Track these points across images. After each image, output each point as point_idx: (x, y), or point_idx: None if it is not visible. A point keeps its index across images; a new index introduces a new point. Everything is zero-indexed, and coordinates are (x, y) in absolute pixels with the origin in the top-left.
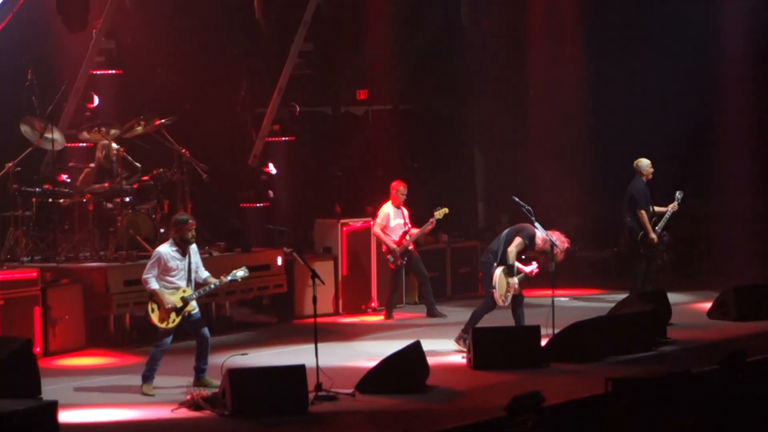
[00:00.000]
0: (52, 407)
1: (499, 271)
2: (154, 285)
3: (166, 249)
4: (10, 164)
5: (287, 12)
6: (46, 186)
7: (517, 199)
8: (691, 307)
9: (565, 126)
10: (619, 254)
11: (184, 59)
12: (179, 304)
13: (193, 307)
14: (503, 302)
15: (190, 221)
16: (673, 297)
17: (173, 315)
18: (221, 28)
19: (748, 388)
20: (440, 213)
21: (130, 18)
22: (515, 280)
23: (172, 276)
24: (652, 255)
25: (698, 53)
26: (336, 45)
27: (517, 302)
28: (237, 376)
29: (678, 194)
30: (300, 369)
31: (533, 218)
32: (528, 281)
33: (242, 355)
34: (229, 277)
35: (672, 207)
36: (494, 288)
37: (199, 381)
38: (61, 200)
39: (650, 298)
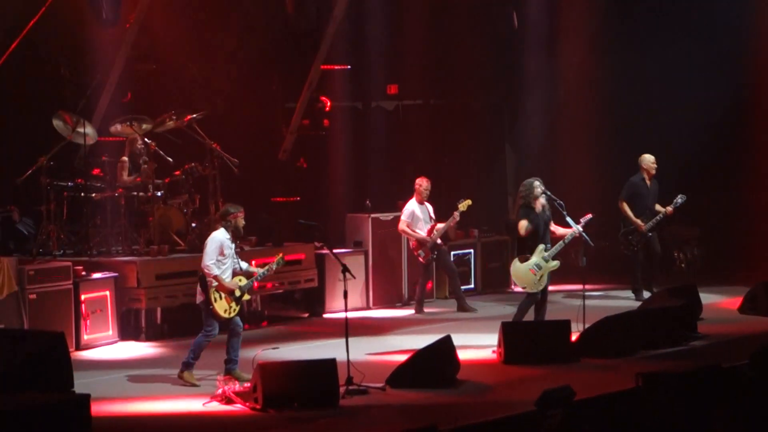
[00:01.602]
0: (85, 400)
1: (513, 264)
2: (216, 271)
3: (222, 235)
4: (43, 158)
5: (318, 6)
6: (79, 180)
7: (549, 194)
8: (722, 301)
9: (596, 119)
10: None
11: (216, 54)
12: (237, 293)
13: (248, 296)
14: (536, 288)
15: (242, 209)
16: (703, 292)
17: (233, 304)
18: (252, 22)
19: None
20: (463, 205)
21: (162, 13)
22: (533, 261)
23: (225, 264)
24: (649, 250)
25: (730, 42)
26: (366, 40)
27: (540, 299)
28: (268, 369)
29: (679, 198)
30: (331, 363)
31: (565, 212)
32: (559, 274)
33: (273, 349)
34: (274, 265)
35: (666, 210)
36: (514, 284)
37: (230, 373)
38: (93, 194)
39: (681, 293)
